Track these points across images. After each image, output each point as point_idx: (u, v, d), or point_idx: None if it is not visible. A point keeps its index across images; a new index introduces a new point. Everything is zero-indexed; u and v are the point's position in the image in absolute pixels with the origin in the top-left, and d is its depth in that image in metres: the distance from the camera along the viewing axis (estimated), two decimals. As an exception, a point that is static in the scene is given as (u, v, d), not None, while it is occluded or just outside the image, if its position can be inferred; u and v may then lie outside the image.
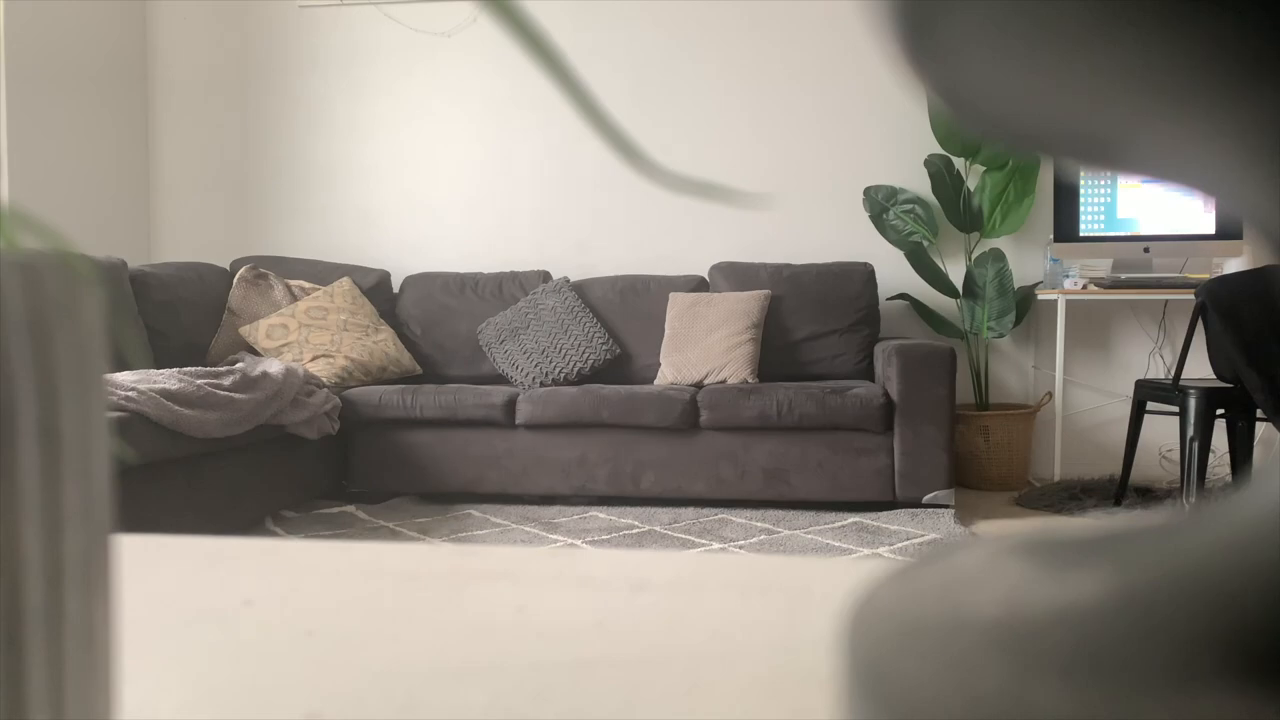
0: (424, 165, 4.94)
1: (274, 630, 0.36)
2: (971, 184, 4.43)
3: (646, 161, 0.17)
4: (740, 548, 3.17)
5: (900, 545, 3.18)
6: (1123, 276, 4.09)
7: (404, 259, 4.97)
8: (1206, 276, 3.99)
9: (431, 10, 4.90)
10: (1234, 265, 4.20)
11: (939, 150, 4.41)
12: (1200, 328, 3.81)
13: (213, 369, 3.46)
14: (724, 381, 3.97)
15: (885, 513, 3.65)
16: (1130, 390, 4.47)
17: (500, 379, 4.41)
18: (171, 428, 3.05)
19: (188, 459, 3.20)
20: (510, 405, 3.89)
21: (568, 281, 4.44)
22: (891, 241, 4.42)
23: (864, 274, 4.32)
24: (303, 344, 4.20)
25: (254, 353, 4.25)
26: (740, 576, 0.42)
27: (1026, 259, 4.49)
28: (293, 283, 4.53)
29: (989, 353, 4.46)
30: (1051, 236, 4.30)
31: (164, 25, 5.12)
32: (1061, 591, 0.18)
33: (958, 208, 4.36)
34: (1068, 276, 4.20)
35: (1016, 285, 4.37)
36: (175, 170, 5.15)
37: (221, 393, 3.28)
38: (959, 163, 4.40)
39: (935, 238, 4.41)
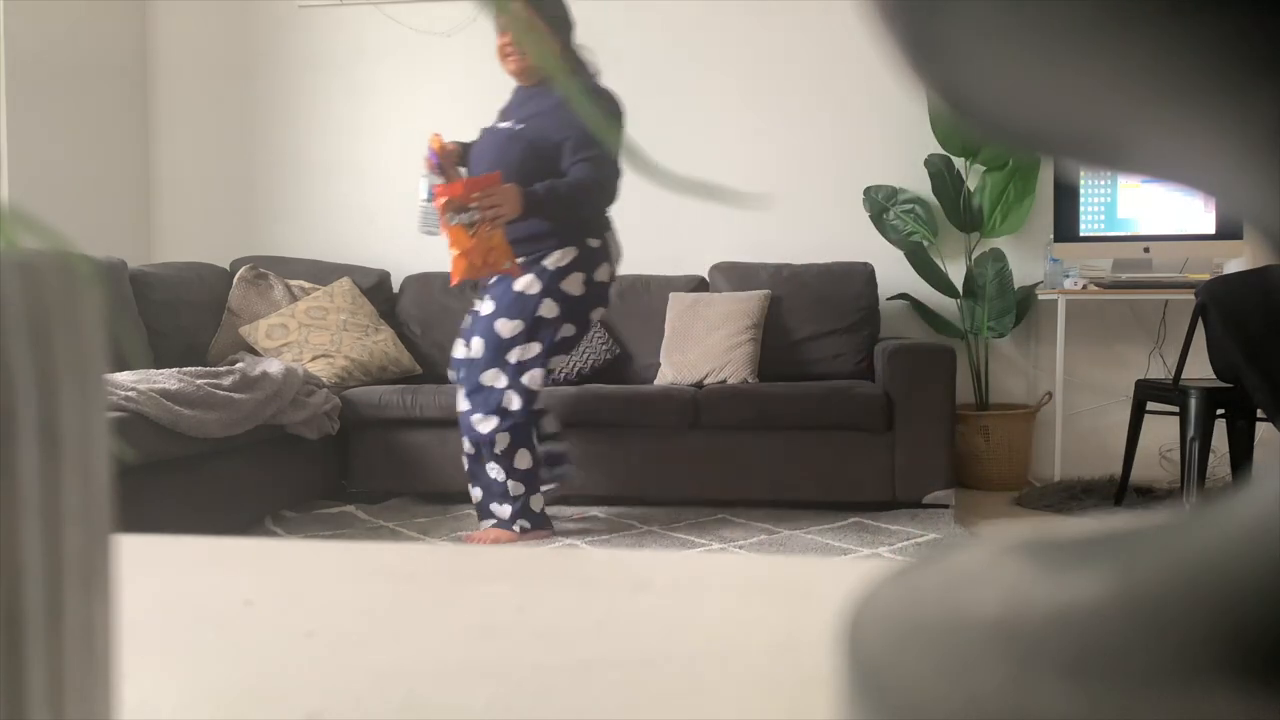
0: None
1: (274, 630, 0.36)
2: (971, 184, 4.43)
3: (646, 161, 0.17)
4: (740, 548, 3.17)
5: (900, 545, 3.18)
6: (1123, 276, 4.08)
7: (404, 259, 4.96)
8: (1206, 276, 3.98)
9: (431, 10, 4.90)
10: (1234, 265, 4.19)
11: (939, 150, 4.41)
12: (1200, 328, 3.81)
13: (213, 369, 3.46)
14: (724, 381, 3.97)
15: (885, 513, 3.65)
16: (1130, 390, 4.47)
17: (500, 379, 4.41)
18: (171, 428, 3.05)
19: (188, 459, 3.20)
20: (510, 405, 3.89)
21: (568, 281, 4.43)
22: (891, 241, 4.42)
23: (864, 274, 4.32)
24: (303, 344, 4.20)
25: (254, 353, 4.24)
26: (740, 576, 0.42)
27: (1026, 259, 4.49)
28: (293, 283, 4.53)
29: (989, 353, 4.46)
30: (1051, 236, 4.30)
31: (164, 25, 5.12)
32: (1061, 591, 0.18)
33: (958, 208, 4.36)
34: (1068, 276, 4.20)
35: (1016, 285, 4.37)
36: (175, 170, 5.14)
37: (221, 393, 3.28)
38: (959, 163, 4.40)
39: (935, 238, 4.41)
